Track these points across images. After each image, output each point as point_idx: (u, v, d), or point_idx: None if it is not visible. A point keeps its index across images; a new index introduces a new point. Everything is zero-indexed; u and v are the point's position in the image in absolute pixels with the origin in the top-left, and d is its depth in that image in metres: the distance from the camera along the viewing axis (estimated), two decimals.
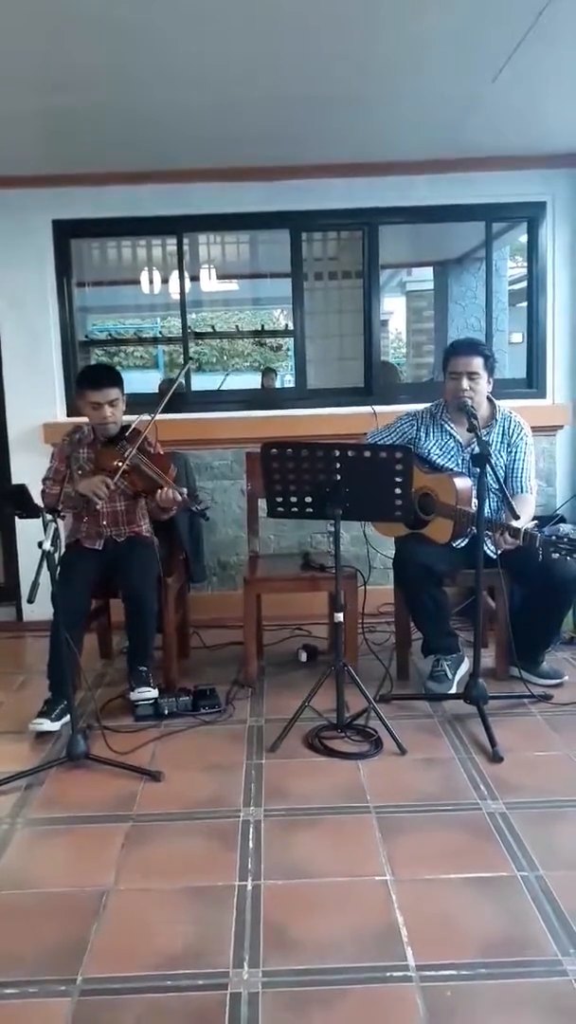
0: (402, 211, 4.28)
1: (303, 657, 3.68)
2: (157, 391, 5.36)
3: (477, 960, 1.76)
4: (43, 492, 3.19)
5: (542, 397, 4.40)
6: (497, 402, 3.32)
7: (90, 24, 2.54)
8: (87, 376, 3.29)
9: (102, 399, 3.16)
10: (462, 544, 3.20)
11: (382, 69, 3.00)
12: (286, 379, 10.20)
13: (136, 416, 3.22)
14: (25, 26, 2.54)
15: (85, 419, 3.30)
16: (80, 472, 3.17)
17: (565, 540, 2.72)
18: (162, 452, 3.27)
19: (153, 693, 3.09)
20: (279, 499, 2.94)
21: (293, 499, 2.92)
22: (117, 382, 3.21)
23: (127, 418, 3.26)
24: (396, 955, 1.78)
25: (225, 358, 15.07)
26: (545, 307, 4.36)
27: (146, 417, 3.18)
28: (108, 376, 3.24)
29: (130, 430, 3.18)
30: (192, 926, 1.91)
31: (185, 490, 3.08)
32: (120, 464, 3.06)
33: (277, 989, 1.69)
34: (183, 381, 4.08)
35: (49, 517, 2.60)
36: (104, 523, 3.28)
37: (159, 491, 3.05)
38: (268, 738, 2.88)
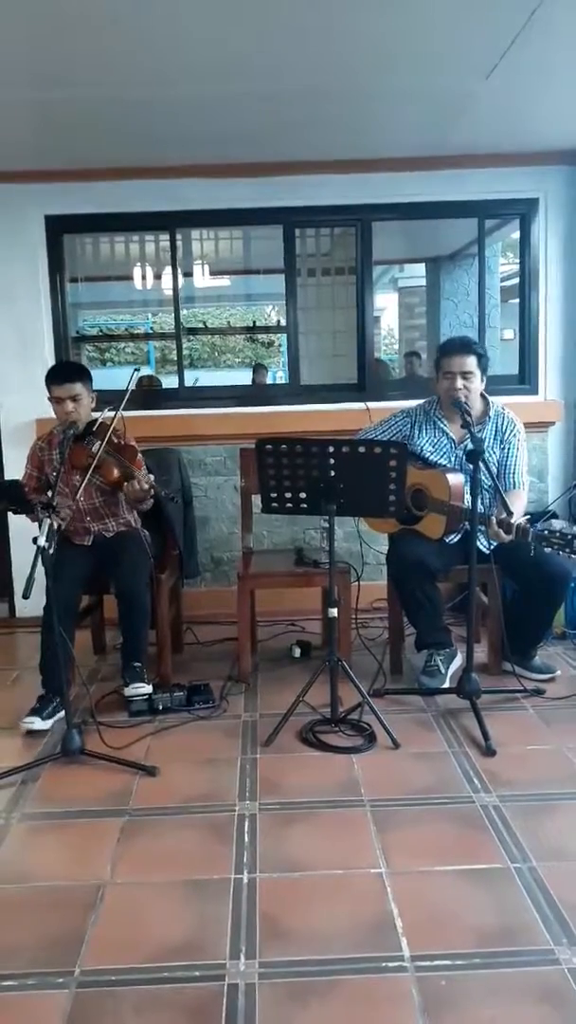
0: (395, 207, 4.30)
1: (297, 652, 3.69)
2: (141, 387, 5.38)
3: (471, 950, 1.78)
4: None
5: (534, 393, 4.42)
6: (491, 398, 3.33)
7: (83, 18, 2.54)
8: (50, 371, 3.32)
9: (63, 394, 3.15)
10: (455, 540, 3.22)
11: (376, 65, 3.00)
12: (278, 375, 10.21)
13: (100, 413, 3.23)
14: (18, 19, 2.53)
15: None
16: (56, 474, 3.17)
17: (558, 535, 2.73)
18: (131, 444, 3.27)
19: (147, 689, 3.09)
20: (273, 495, 2.95)
21: (287, 495, 2.93)
22: (80, 378, 3.20)
23: (96, 414, 3.25)
24: (391, 946, 1.80)
25: (217, 354, 15.06)
26: (537, 303, 4.38)
27: (109, 413, 3.18)
28: (71, 371, 3.24)
29: (97, 425, 3.19)
30: (188, 919, 1.92)
31: (152, 476, 3.07)
32: (91, 460, 3.08)
33: (273, 980, 1.71)
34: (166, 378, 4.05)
35: (43, 513, 2.60)
36: (87, 519, 3.28)
37: (125, 484, 3.05)
38: (262, 733, 2.89)
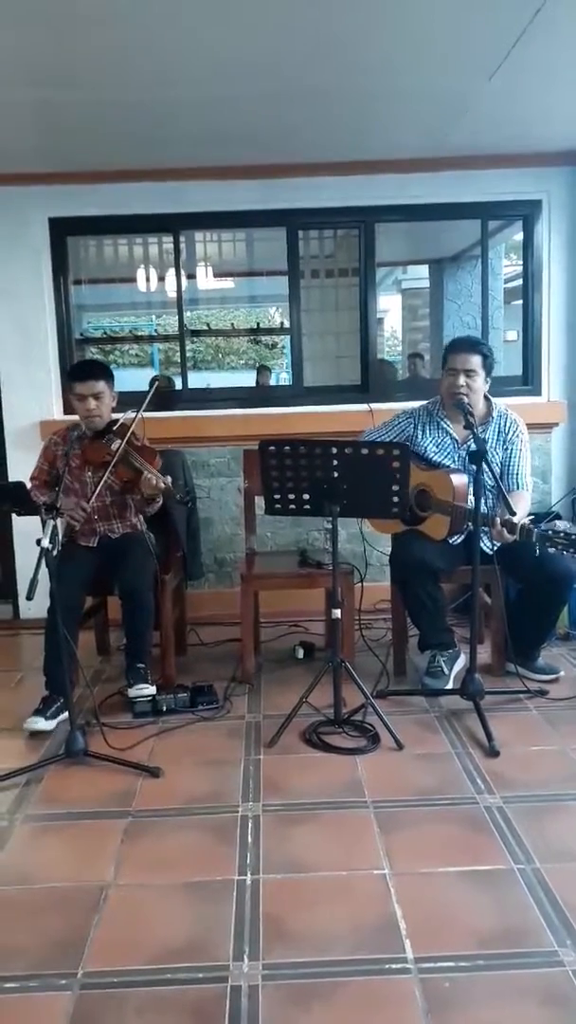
0: (398, 209, 4.30)
1: (300, 654, 3.69)
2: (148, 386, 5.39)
3: (475, 952, 1.77)
4: (30, 491, 3.21)
5: (538, 395, 4.41)
6: (493, 400, 3.33)
7: (87, 19, 2.54)
8: (74, 368, 3.38)
9: (86, 391, 3.19)
10: (458, 540, 3.21)
11: (378, 66, 3.00)
12: (281, 377, 10.20)
13: (122, 414, 3.26)
14: (21, 20, 2.54)
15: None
16: (66, 470, 3.18)
17: (562, 535, 2.73)
18: (150, 445, 3.30)
19: (151, 690, 3.10)
20: (277, 496, 2.95)
21: (291, 496, 2.93)
22: (103, 376, 3.24)
23: (116, 415, 3.28)
24: (394, 948, 1.79)
25: (221, 356, 15.06)
26: (541, 305, 4.38)
27: (131, 413, 3.22)
28: (94, 369, 3.29)
29: (117, 425, 3.23)
30: (192, 920, 1.92)
31: (169, 478, 3.11)
32: (109, 457, 3.11)
33: (277, 982, 1.71)
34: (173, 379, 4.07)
35: (47, 515, 2.60)
36: (96, 518, 3.29)
37: (142, 476, 3.08)
38: (266, 734, 2.89)
